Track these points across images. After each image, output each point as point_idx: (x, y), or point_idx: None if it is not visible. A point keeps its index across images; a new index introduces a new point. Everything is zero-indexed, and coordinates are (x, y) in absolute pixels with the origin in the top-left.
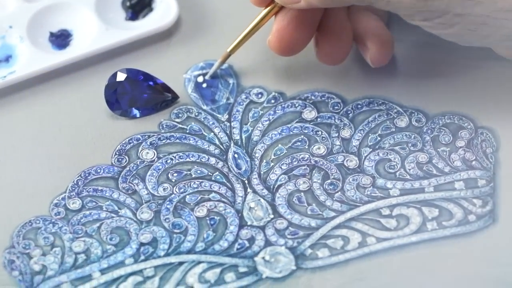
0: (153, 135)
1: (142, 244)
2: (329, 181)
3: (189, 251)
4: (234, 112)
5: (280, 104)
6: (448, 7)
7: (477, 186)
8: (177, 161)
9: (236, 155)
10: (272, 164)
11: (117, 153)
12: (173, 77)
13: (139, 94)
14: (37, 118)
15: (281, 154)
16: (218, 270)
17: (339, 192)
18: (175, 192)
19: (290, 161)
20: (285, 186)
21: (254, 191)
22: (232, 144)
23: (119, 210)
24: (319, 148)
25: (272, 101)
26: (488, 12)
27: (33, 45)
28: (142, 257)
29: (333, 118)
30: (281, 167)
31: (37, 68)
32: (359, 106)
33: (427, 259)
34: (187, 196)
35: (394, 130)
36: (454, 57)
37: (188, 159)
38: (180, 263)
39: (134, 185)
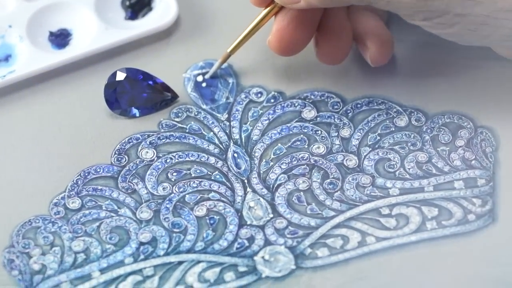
0: (153, 135)
1: (141, 244)
2: (328, 180)
3: (188, 251)
4: (234, 111)
5: (280, 104)
6: (448, 7)
7: (476, 186)
8: (176, 160)
9: (235, 155)
10: (271, 163)
11: (116, 152)
12: (173, 76)
13: (138, 94)
14: (37, 118)
15: (281, 154)
16: (217, 269)
17: (339, 192)
18: (174, 192)
19: (289, 160)
20: (284, 185)
21: (254, 191)
22: (231, 144)
23: (118, 210)
24: (318, 147)
25: (272, 100)
26: (488, 12)
27: (33, 45)
28: (142, 257)
29: (332, 117)
30: (280, 167)
31: (37, 68)
32: (358, 105)
33: (427, 259)
34: (187, 196)
35: (393, 129)
36: (454, 57)
37: (187, 159)
38: (180, 263)
39: (133, 185)
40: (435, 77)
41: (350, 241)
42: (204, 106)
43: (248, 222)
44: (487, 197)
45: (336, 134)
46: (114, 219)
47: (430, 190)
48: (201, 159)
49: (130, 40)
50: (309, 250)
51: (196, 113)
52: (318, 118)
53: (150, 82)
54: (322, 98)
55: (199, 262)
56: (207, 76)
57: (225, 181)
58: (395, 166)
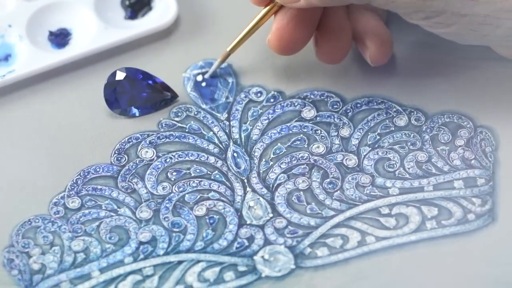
0: (152, 134)
1: (141, 243)
2: (328, 180)
3: (188, 250)
4: (233, 111)
5: (279, 103)
6: (447, 6)
7: (476, 185)
8: (176, 160)
9: (235, 154)
10: (271, 163)
11: (116, 152)
12: (172, 76)
13: (138, 93)
14: (36, 117)
15: (280, 153)
16: (217, 269)
17: (338, 191)
18: (174, 191)
19: (289, 160)
20: (284, 185)
21: (254, 190)
22: (231, 143)
23: (118, 209)
24: (318, 147)
25: (271, 100)
26: (488, 11)
27: (32, 44)
28: (142, 256)
29: (332, 117)
30: (280, 166)
31: (36, 67)
32: (358, 105)
33: (427, 258)
34: (186, 195)
35: (393, 129)
36: (453, 56)
37: (187, 158)
38: (179, 262)
39: (133, 184)
40: (435, 77)
41: (349, 241)
42: (203, 106)
43: (248, 222)
44: (486, 196)
45: (336, 133)
46: (114, 218)
47: (429, 189)
48: (201, 158)
49: (129, 39)
50: (309, 250)
51: (195, 113)
52: (318, 118)
53: (150, 82)
54: (322, 97)
55: (198, 261)
56: (206, 76)
57: (224, 180)
58: (395, 165)
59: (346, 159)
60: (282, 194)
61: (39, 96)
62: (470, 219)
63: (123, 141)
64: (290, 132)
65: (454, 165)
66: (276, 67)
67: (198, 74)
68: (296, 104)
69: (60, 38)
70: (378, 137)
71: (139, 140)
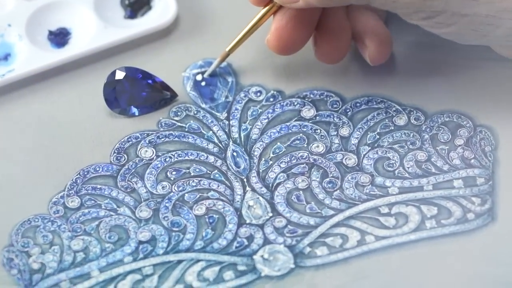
0: (152, 134)
1: (141, 242)
2: (328, 179)
3: (188, 249)
4: (233, 110)
5: (279, 103)
6: (447, 6)
7: (476, 185)
8: (176, 159)
9: (235, 153)
10: (271, 162)
11: (116, 151)
12: (172, 75)
13: (138, 93)
14: (36, 116)
15: (280, 153)
16: (217, 268)
17: (338, 190)
18: (174, 190)
19: (289, 159)
20: (284, 184)
21: (253, 189)
22: (231, 142)
23: (118, 208)
24: (318, 146)
25: (271, 99)
26: (488, 11)
27: (32, 44)
28: (141, 255)
29: (332, 116)
30: (280, 165)
31: (36, 67)
32: (358, 104)
33: (426, 258)
34: (186, 194)
35: (393, 128)
36: (453, 56)
37: (187, 157)
38: (179, 261)
39: (133, 184)
40: (435, 76)
41: (349, 240)
42: (203, 105)
43: (248, 221)
44: (486, 196)
45: (336, 133)
46: (114, 218)
47: (429, 189)
48: (201, 158)
49: (129, 39)
50: (309, 249)
51: (195, 112)
52: (318, 117)
53: (150, 81)
54: (322, 97)
55: (198, 261)
56: (206, 75)
57: (224, 180)
58: (395, 165)
59: (345, 159)
60: (282, 194)
61: (39, 95)
62: (469, 219)
63: (122, 140)
64: (290, 131)
65: (454, 165)
66: (275, 66)
67: (198, 73)
68: (295, 103)
69: (59, 37)
70: (377, 137)
71: (139, 139)
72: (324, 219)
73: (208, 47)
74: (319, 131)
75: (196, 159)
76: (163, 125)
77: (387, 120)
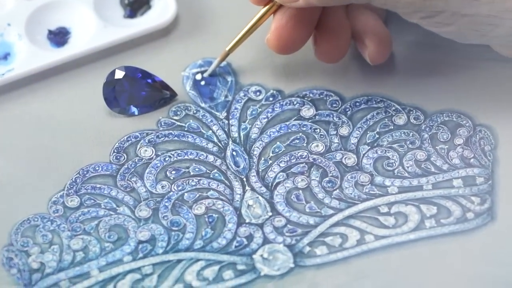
0: (152, 133)
1: (140, 242)
2: (327, 178)
3: (187, 249)
4: (233, 109)
5: (279, 102)
6: (448, 6)
7: (475, 184)
8: (175, 158)
9: (234, 153)
10: (270, 161)
11: (115, 150)
12: (172, 74)
13: (137, 92)
14: (35, 116)
15: (280, 152)
16: (216, 267)
17: (337, 190)
18: (173, 190)
19: (288, 158)
20: (283, 183)
21: (252, 189)
22: (230, 142)
23: (117, 208)
24: (317, 145)
25: (271, 98)
26: (489, 11)
27: (32, 43)
28: (141, 255)
29: (331, 115)
30: (279, 165)
31: (36, 66)
32: (357, 103)
33: (426, 257)
34: (185, 194)
35: (392, 127)
36: (453, 55)
37: (186, 157)
38: (179, 261)
39: (132, 183)
40: (434, 76)
41: (349, 240)
42: (202, 105)
43: (247, 220)
44: (485, 195)
45: (335, 132)
46: (113, 217)
47: (428, 188)
48: (200, 157)
49: (129, 38)
50: (308, 249)
51: (195, 112)
52: (317, 117)
53: (149, 80)
54: (321, 96)
55: (198, 260)
56: (205, 74)
57: (223, 179)
58: (394, 164)
59: (345, 158)
60: (281, 193)
61: (38, 94)
62: (469, 218)
63: (122, 139)
64: (289, 130)
65: (453, 164)
66: (275, 66)
67: (197, 73)
68: (295, 102)
69: (59, 36)
70: (377, 136)
71: (138, 138)
72: (324, 218)
73: (207, 46)
74: (318, 130)
75: (196, 158)
76: (162, 124)
77: (386, 119)
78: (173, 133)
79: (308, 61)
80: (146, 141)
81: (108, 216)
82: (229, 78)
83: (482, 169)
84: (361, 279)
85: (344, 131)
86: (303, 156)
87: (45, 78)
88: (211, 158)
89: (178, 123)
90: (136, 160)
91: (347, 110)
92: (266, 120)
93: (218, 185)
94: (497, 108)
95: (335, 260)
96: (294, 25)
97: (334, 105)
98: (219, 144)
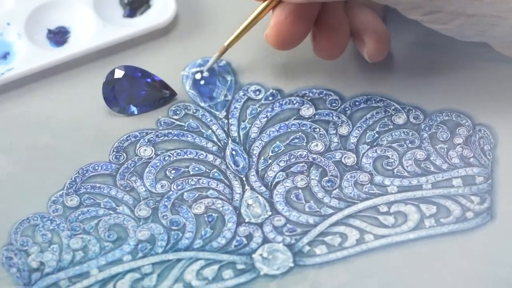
0: (151, 132)
1: (140, 241)
2: (327, 178)
3: (187, 248)
4: (232, 109)
5: (278, 101)
6: (450, 4)
7: (475, 183)
8: (175, 158)
9: (234, 152)
10: (270, 161)
11: (115, 150)
12: (171, 74)
13: (137, 91)
14: (35, 115)
15: (279, 151)
16: (216, 267)
17: (337, 189)
18: (173, 189)
19: (288, 158)
20: (283, 183)
21: (252, 188)
22: (230, 141)
23: (117, 207)
24: (317, 145)
25: (270, 98)
26: (491, 11)
27: (31, 42)
28: (140, 254)
29: (331, 115)
30: (279, 164)
31: (35, 65)
32: (357, 103)
33: (425, 256)
34: (185, 193)
35: (392, 127)
36: (452, 55)
37: (186, 156)
38: (178, 260)
39: (132, 182)
40: (434, 75)
41: (348, 239)
42: (202, 104)
43: (246, 220)
44: (485, 194)
45: (335, 131)
46: (112, 216)
47: (428, 187)
48: (199, 156)
49: (128, 37)
50: (308, 248)
51: (194, 111)
52: (317, 116)
53: (149, 80)
54: (321, 95)
55: (197, 259)
56: (204, 70)
57: (223, 178)
58: (393, 163)
59: (344, 157)
60: (281, 192)
61: (38, 94)
62: (468, 217)
63: (121, 139)
64: (289, 130)
65: (453, 163)
66: (274, 65)
67: (197, 72)
68: (294, 102)
69: (58, 36)
70: (376, 135)
71: (138, 138)
72: (323, 218)
73: (207, 46)
74: (318, 130)
75: (195, 157)
76: (162, 123)
77: (386, 118)
78: (172, 132)
79: (307, 61)
80: (146, 140)
81: (107, 216)
82: (229, 78)
83: (482, 168)
84: (362, 279)
85: (343, 130)
86: (303, 156)
87: (45, 78)
88: (210, 157)
89: (178, 123)
90: (136, 160)
91: (347, 109)
92: (265, 119)
93: (217, 185)
94: (496, 107)
95: (334, 259)
96: (293, 20)
97: (334, 104)
98: (219, 144)
